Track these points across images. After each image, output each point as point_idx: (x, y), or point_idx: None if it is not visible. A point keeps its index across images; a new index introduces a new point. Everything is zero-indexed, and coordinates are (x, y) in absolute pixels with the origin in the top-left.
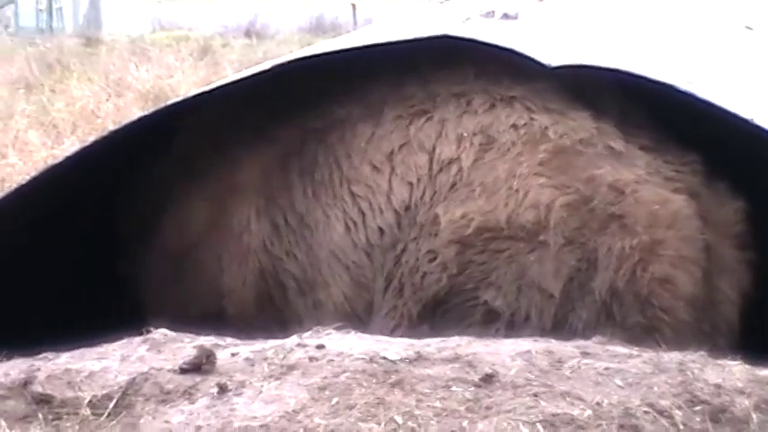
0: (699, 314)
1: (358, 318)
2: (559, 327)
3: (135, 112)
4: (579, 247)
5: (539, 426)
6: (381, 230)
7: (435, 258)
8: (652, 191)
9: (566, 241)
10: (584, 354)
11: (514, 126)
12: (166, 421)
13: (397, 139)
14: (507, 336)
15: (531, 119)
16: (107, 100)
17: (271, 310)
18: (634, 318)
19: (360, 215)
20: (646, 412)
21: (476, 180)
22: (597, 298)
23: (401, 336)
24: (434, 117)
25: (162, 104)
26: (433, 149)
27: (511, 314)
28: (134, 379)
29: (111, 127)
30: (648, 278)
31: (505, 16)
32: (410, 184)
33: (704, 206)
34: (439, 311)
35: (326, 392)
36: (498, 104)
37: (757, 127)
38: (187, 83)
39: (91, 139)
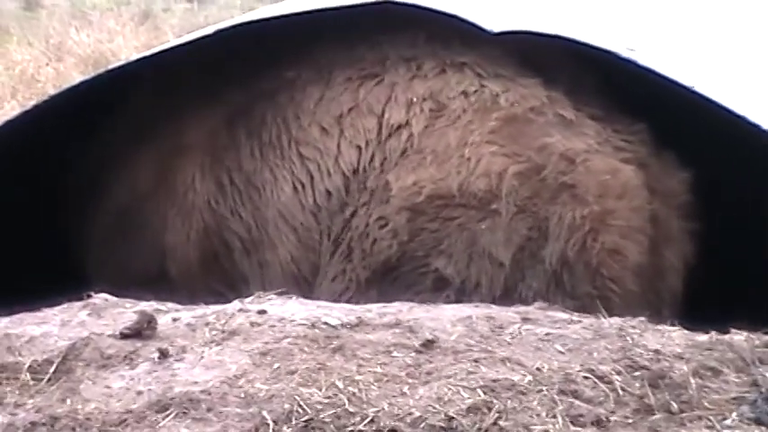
0: (645, 284)
1: (304, 279)
2: (509, 295)
3: (75, 77)
4: (530, 216)
5: (479, 391)
6: (329, 193)
7: (386, 225)
8: (603, 161)
9: (517, 210)
10: (525, 319)
11: (465, 93)
12: (107, 386)
13: (347, 101)
14: (458, 303)
15: (482, 86)
16: (47, 64)
17: (216, 270)
18: (583, 288)
19: (308, 177)
20: (585, 378)
21: (427, 147)
22: (547, 267)
23: (349, 301)
24: (384, 80)
25: (102, 69)
26: (383, 113)
27: (461, 282)
28: (74, 344)
29: (52, 91)
30: (599, 248)
31: None
32: (359, 147)
33: (652, 176)
34: (388, 278)
35: (268, 358)
36: (449, 70)
37: (698, 94)
38: (128, 47)
39: (31, 103)
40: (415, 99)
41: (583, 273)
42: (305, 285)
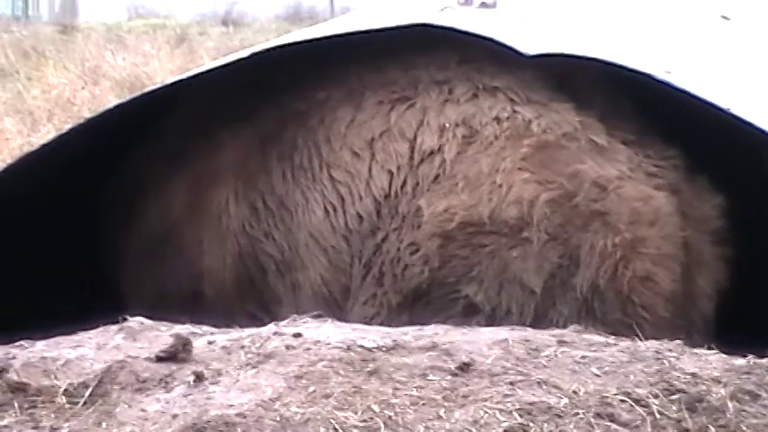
0: (677, 310)
1: (335, 301)
2: (540, 322)
3: (111, 100)
4: (562, 244)
5: (515, 414)
6: (360, 217)
7: (417, 251)
8: (634, 187)
9: (548, 237)
10: (561, 342)
11: (497, 119)
12: (142, 410)
13: (378, 125)
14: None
15: (515, 111)
16: (83, 88)
17: (250, 292)
18: (614, 315)
19: (339, 200)
20: (622, 401)
21: (459, 173)
22: (578, 295)
23: (380, 325)
24: (416, 104)
25: (138, 92)
26: (415, 138)
27: (492, 309)
28: (110, 367)
29: (88, 115)
30: (630, 276)
31: (483, 4)
32: (390, 172)
33: (684, 202)
34: (419, 303)
35: (303, 381)
36: (481, 94)
37: (735, 116)
38: (164, 71)
39: (67, 126)
40: (447, 124)
41: (614, 300)
42: (336, 308)
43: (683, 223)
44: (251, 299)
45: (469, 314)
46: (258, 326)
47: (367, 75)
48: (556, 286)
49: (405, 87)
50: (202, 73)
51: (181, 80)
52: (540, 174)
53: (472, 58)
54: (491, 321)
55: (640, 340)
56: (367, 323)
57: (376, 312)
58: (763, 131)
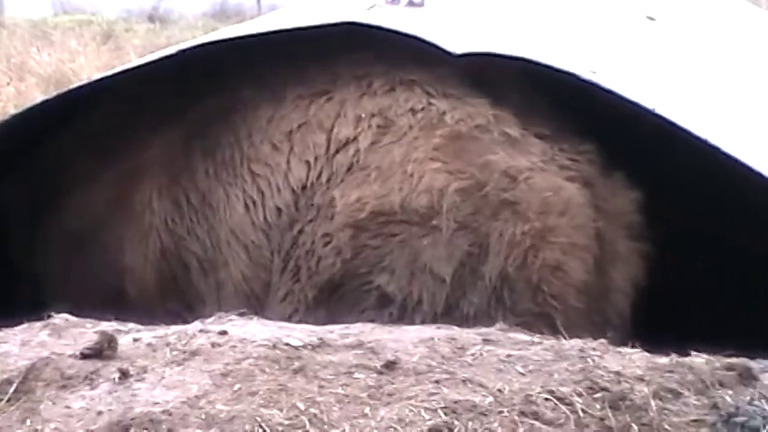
0: (590, 302)
1: (256, 298)
2: (451, 311)
3: (37, 96)
4: (472, 233)
5: (440, 412)
6: (279, 210)
7: (330, 242)
8: (545, 178)
9: (458, 226)
10: (486, 341)
11: (412, 110)
12: (67, 406)
13: (297, 118)
14: (400, 320)
15: (430, 103)
16: (8, 84)
17: (173, 291)
18: (525, 304)
19: (259, 194)
20: (546, 399)
21: (372, 163)
22: (488, 283)
23: (298, 320)
24: (334, 97)
25: (64, 89)
26: (332, 129)
27: (403, 298)
28: (34, 364)
29: (13, 111)
30: (539, 264)
31: (411, 3)
32: (308, 163)
33: (598, 195)
34: (334, 296)
35: (229, 378)
36: (398, 87)
37: (659, 116)
38: (90, 67)
39: None
40: (363, 115)
41: (523, 289)
42: (257, 304)
43: (596, 215)
44: (174, 297)
45: (382, 305)
46: (182, 324)
47: (288, 72)
48: (466, 275)
49: (324, 82)
50: (127, 70)
51: (105, 77)
52: (452, 164)
53: (391, 54)
54: (403, 312)
55: (565, 338)
56: (286, 320)
57: (294, 309)
58: (687, 132)
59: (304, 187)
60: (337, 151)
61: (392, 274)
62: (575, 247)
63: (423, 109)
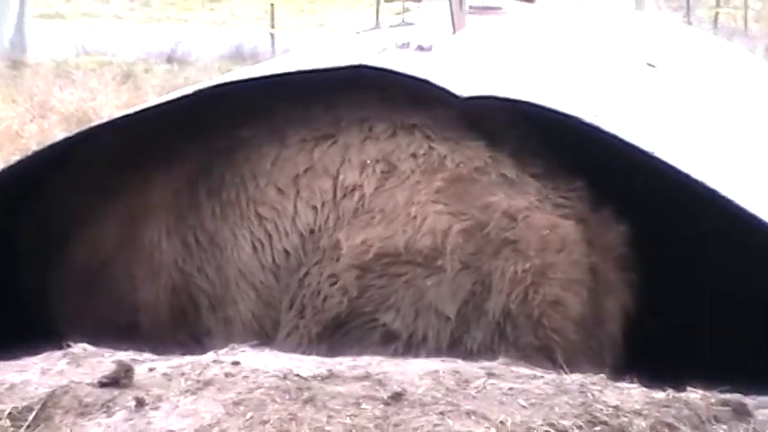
0: (586, 333)
1: (266, 334)
2: (455, 347)
3: (58, 134)
4: (474, 271)
5: None
6: (287, 252)
7: (336, 282)
8: (543, 217)
9: (462, 266)
10: (490, 374)
11: (414, 155)
12: None
13: (302, 162)
14: (405, 355)
15: (430, 147)
16: (31, 121)
17: (184, 325)
18: (526, 338)
19: (267, 237)
20: None
21: (376, 207)
22: (491, 319)
23: (302, 354)
24: (339, 141)
25: (84, 126)
26: (337, 175)
27: (408, 335)
28: (54, 392)
29: (35, 147)
30: (540, 300)
31: (420, 48)
32: (315, 208)
33: (591, 230)
34: (338, 333)
35: (241, 408)
36: (399, 132)
37: (658, 159)
38: (110, 106)
39: (14, 158)
40: (368, 161)
41: (525, 324)
42: (266, 340)
43: (589, 250)
44: (185, 330)
45: (387, 342)
46: (193, 355)
47: (292, 113)
48: (470, 312)
49: (327, 124)
50: (146, 109)
51: (125, 116)
52: (453, 205)
53: (391, 97)
54: (408, 348)
55: (566, 373)
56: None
57: (297, 344)
58: (685, 174)
59: (311, 231)
60: (344, 196)
61: (397, 312)
62: (572, 282)
63: (424, 153)
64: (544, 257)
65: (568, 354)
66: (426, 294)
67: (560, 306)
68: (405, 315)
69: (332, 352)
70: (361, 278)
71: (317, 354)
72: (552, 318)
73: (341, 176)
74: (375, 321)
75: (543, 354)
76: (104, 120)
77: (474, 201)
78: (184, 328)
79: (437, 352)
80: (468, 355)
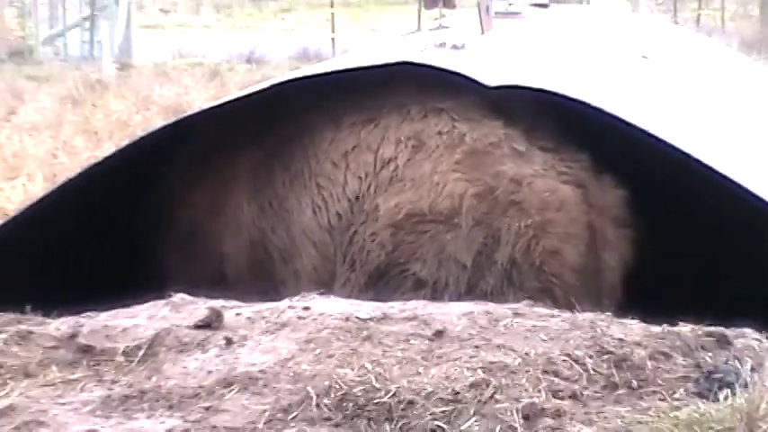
0: (585, 279)
1: (324, 284)
2: (472, 291)
3: (159, 122)
4: (486, 227)
5: (479, 371)
6: (339, 215)
7: (376, 239)
8: (544, 182)
9: (475, 223)
10: (516, 314)
11: (440, 132)
12: (184, 367)
13: (351, 141)
14: (432, 300)
15: (454, 126)
16: (137, 113)
17: (262, 275)
18: (530, 282)
19: (323, 202)
20: (564, 360)
21: (407, 176)
22: (500, 267)
23: None
24: (380, 124)
25: (179, 116)
26: (378, 150)
27: (434, 282)
28: (158, 333)
29: (140, 133)
30: (540, 251)
31: (454, 47)
32: (360, 178)
33: (590, 194)
34: (380, 282)
35: (311, 345)
36: (430, 114)
37: (651, 135)
38: (200, 99)
39: (124, 143)
40: (402, 138)
41: (528, 271)
42: (325, 289)
43: (588, 210)
44: (263, 280)
45: (418, 288)
46: (270, 301)
47: (346, 103)
48: (483, 261)
49: (373, 111)
50: (229, 101)
51: (212, 107)
52: (469, 174)
53: (427, 87)
54: (434, 293)
55: (579, 312)
56: None
57: (350, 292)
58: (676, 148)
59: (357, 197)
60: (382, 168)
61: (424, 263)
62: (569, 236)
63: (448, 131)
64: (544, 215)
65: (568, 296)
66: (447, 247)
67: (558, 255)
68: (430, 265)
69: (376, 298)
70: (394, 235)
71: (366, 299)
72: (551, 265)
73: (380, 151)
74: (407, 271)
75: (545, 295)
76: (196, 110)
77: (487, 169)
78: (262, 278)
79: (457, 295)
80: (483, 297)
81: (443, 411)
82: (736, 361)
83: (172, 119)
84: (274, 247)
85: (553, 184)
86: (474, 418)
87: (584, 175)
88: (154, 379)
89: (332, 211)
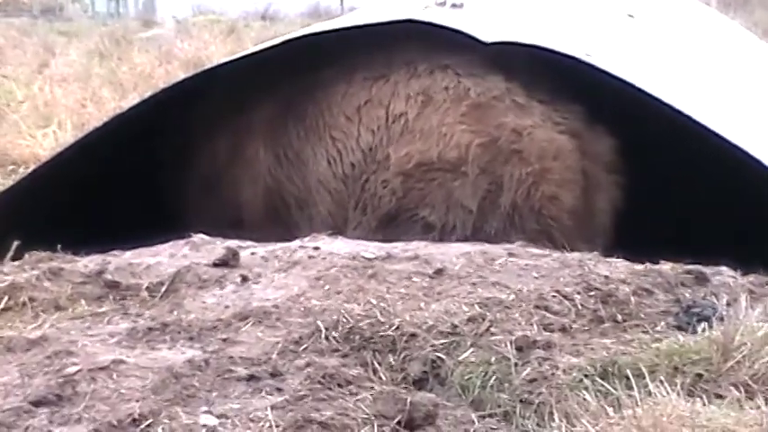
0: (580, 221)
1: (338, 228)
2: (477, 233)
3: (179, 75)
4: (490, 175)
5: (476, 306)
6: (353, 165)
7: (387, 186)
8: (543, 132)
9: (480, 171)
10: (510, 254)
11: (446, 88)
12: (203, 302)
13: (363, 96)
14: (440, 242)
15: (459, 82)
16: (159, 66)
17: (277, 221)
18: (530, 225)
19: (337, 153)
20: (554, 296)
21: (417, 128)
22: (503, 211)
23: None
24: (390, 79)
25: (199, 69)
26: (389, 105)
27: (442, 226)
28: (179, 270)
29: (162, 85)
30: (540, 196)
31: (453, 5)
32: (372, 131)
33: (584, 142)
34: (391, 225)
35: (321, 282)
36: (436, 70)
37: (636, 87)
38: (218, 54)
39: (147, 94)
40: (411, 94)
41: (529, 215)
42: (339, 233)
43: (582, 157)
44: (278, 224)
45: (426, 231)
46: (285, 242)
47: (357, 58)
48: (487, 206)
49: (383, 67)
50: (242, 57)
51: (229, 61)
52: (474, 125)
53: (432, 44)
54: (442, 235)
55: (568, 251)
56: None
57: (361, 234)
58: (659, 101)
59: (370, 149)
60: (393, 121)
61: (433, 208)
62: (566, 182)
63: (454, 86)
64: (543, 163)
65: (565, 237)
66: (454, 193)
67: (556, 200)
68: (438, 210)
69: (386, 240)
70: (405, 182)
71: (376, 242)
72: (550, 209)
73: (391, 106)
74: (417, 216)
75: (544, 236)
76: (215, 63)
77: (490, 121)
78: (278, 223)
79: (464, 238)
80: (488, 239)
81: (443, 343)
82: (713, 296)
83: (192, 72)
84: (290, 194)
85: (551, 134)
86: (471, 350)
87: (579, 126)
88: (175, 313)
89: (346, 162)
